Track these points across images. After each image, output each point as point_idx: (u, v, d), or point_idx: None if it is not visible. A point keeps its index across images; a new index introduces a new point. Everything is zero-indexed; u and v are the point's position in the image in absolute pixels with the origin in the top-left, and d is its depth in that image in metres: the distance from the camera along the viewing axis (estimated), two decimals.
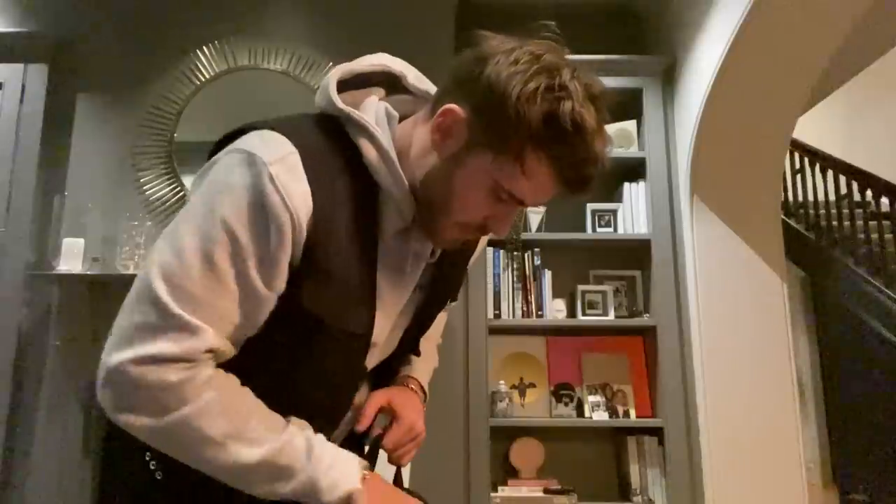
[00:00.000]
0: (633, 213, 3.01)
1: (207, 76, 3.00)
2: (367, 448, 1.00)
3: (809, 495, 2.61)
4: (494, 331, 2.91)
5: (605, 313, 2.94)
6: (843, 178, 4.18)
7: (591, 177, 0.82)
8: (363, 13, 3.06)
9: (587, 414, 2.86)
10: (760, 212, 2.82)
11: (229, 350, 0.82)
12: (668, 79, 3.05)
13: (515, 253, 2.97)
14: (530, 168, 0.80)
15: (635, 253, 3.05)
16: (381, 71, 0.95)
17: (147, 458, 0.91)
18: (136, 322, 0.77)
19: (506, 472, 2.88)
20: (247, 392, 0.83)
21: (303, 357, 0.87)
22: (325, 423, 0.91)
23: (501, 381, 2.86)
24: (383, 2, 3.08)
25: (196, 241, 0.77)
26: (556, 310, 2.96)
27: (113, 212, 2.83)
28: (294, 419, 0.86)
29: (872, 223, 3.85)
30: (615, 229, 3.03)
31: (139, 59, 3.00)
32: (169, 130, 2.96)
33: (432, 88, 0.94)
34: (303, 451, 0.81)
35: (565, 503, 2.70)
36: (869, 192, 3.97)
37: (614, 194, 3.13)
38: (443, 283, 1.03)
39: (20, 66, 2.88)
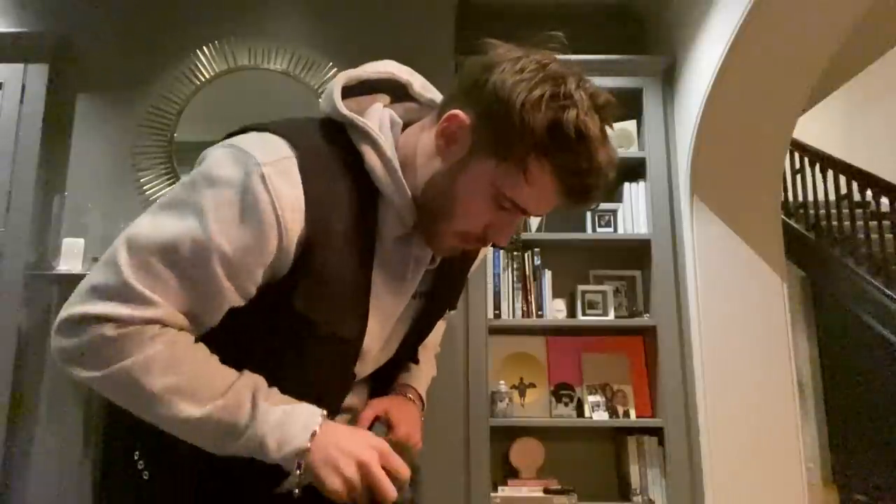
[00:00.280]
0: (633, 213, 3.01)
1: (207, 76, 2.99)
2: None
3: (809, 495, 2.61)
4: (494, 331, 2.91)
5: (605, 313, 2.94)
6: (843, 178, 4.18)
7: (593, 186, 0.81)
8: (363, 13, 3.06)
9: (587, 414, 2.86)
10: (760, 212, 2.82)
11: (185, 324, 0.82)
12: (668, 79, 3.05)
13: (515, 253, 2.97)
14: (533, 176, 0.80)
15: (635, 253, 3.05)
16: (386, 78, 0.95)
17: (135, 458, 0.92)
18: (95, 282, 0.80)
19: (506, 472, 2.87)
20: (199, 349, 0.83)
21: (291, 359, 0.87)
22: None
23: (501, 381, 2.86)
24: (383, 2, 3.08)
25: (169, 221, 0.79)
26: (556, 310, 2.96)
27: (113, 212, 2.82)
28: (248, 373, 0.84)
29: (872, 223, 3.85)
30: (615, 229, 3.03)
31: (139, 59, 3.00)
32: (169, 130, 2.96)
33: (438, 97, 0.94)
34: (247, 409, 0.80)
35: (565, 503, 2.70)
36: (869, 192, 3.97)
37: (614, 194, 3.12)
38: (442, 291, 1.03)
39: (20, 66, 2.88)
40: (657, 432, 2.81)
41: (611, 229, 3.03)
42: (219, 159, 0.81)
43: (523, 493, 2.74)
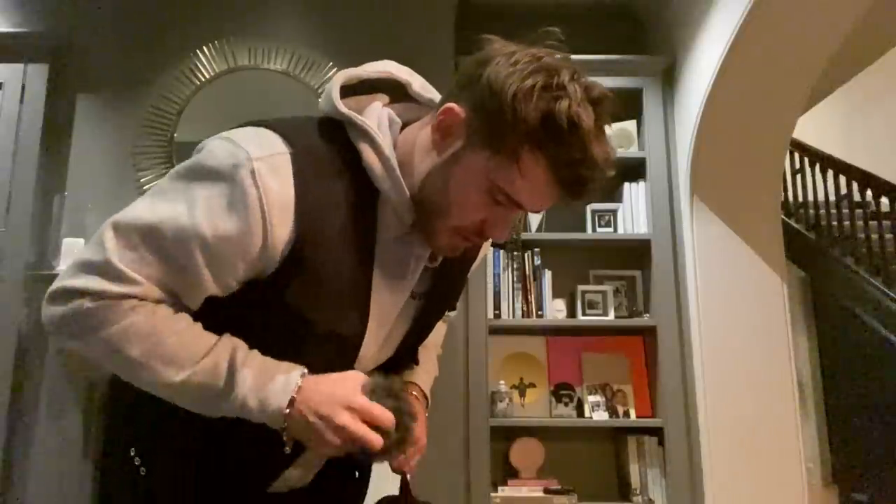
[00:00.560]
0: (633, 213, 3.01)
1: (207, 76, 2.99)
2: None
3: (809, 495, 2.61)
4: (494, 331, 2.91)
5: (605, 313, 2.94)
6: (843, 178, 4.18)
7: (587, 178, 0.80)
8: (363, 13, 3.06)
9: (587, 414, 2.86)
10: (760, 212, 2.82)
11: (164, 301, 0.84)
12: (668, 79, 3.05)
13: (515, 253, 2.98)
14: (526, 168, 0.79)
15: (635, 253, 3.05)
16: (386, 78, 0.95)
17: (132, 454, 0.92)
18: (83, 259, 0.82)
19: (506, 472, 2.87)
20: (180, 318, 0.84)
21: (291, 359, 0.87)
22: None
23: (501, 381, 2.86)
24: (383, 2, 3.08)
25: (158, 206, 0.82)
26: (556, 310, 2.96)
27: (113, 212, 2.78)
28: (228, 337, 0.85)
29: (872, 223, 3.84)
30: (615, 229, 3.03)
31: (139, 59, 3.00)
32: (169, 130, 2.96)
33: (437, 97, 0.94)
34: (224, 371, 0.82)
35: (565, 503, 2.70)
36: (869, 192, 3.97)
37: (614, 194, 3.13)
38: (442, 291, 1.02)
39: (20, 66, 2.88)
40: (657, 432, 2.81)
41: (611, 229, 3.03)
42: (213, 150, 0.82)
43: (523, 493, 2.74)
